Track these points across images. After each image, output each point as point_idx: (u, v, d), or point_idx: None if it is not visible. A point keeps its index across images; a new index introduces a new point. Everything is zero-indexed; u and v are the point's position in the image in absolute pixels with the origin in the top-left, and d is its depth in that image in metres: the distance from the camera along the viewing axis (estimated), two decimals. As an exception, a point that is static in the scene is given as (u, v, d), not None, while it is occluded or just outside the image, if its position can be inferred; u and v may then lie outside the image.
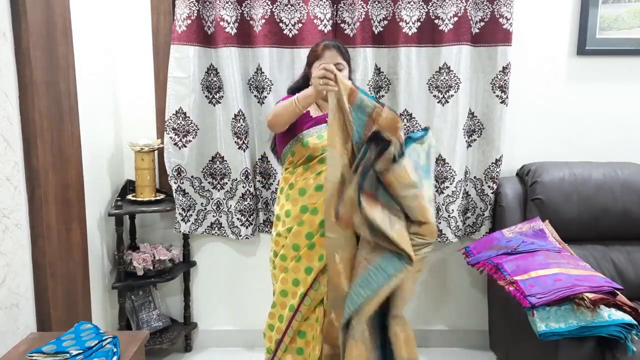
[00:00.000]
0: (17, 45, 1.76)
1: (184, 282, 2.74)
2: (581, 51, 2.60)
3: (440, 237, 2.63)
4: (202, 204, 2.68)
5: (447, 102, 2.53)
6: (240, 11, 2.52)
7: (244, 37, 2.53)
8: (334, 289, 1.83)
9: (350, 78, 2.05)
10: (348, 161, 1.78)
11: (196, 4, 2.48)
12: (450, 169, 2.57)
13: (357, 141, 1.77)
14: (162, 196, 2.60)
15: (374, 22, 2.52)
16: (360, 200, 1.72)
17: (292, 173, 2.04)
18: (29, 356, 1.57)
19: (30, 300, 1.84)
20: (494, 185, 2.61)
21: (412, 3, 2.47)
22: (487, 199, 2.63)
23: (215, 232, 2.70)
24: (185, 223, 2.65)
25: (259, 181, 2.67)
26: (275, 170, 2.62)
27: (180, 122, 2.57)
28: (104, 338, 1.65)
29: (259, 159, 2.65)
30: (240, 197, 2.62)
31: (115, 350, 1.61)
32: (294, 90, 2.05)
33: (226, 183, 2.65)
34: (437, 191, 2.61)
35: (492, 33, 2.50)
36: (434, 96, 2.54)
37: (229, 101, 2.54)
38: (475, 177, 2.66)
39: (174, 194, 2.61)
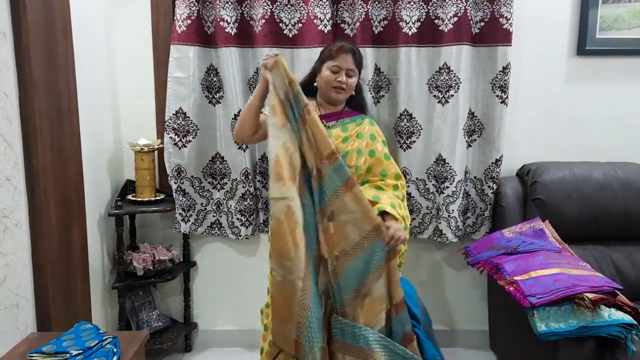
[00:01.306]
0: (17, 45, 1.76)
1: (184, 282, 2.74)
2: (581, 51, 2.60)
3: (440, 237, 2.63)
4: (202, 204, 2.68)
5: (447, 102, 2.53)
6: (240, 11, 2.52)
7: (244, 37, 2.53)
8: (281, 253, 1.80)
9: (358, 84, 2.12)
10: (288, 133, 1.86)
11: (196, 4, 2.48)
12: (450, 169, 2.56)
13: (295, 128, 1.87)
14: (162, 196, 2.60)
15: (374, 22, 2.52)
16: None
17: None
18: (29, 356, 1.57)
19: (30, 300, 1.84)
20: (494, 185, 2.61)
21: (412, 3, 2.47)
22: (487, 199, 2.63)
23: (215, 232, 2.70)
24: (185, 223, 2.65)
25: (259, 181, 2.67)
26: (275, 170, 2.62)
27: (180, 122, 2.56)
28: (104, 338, 1.65)
29: (259, 159, 2.65)
30: (240, 197, 2.62)
31: (115, 350, 1.61)
32: (303, 85, 2.07)
33: (226, 183, 2.65)
34: (437, 191, 2.60)
35: (492, 33, 2.50)
36: (434, 96, 2.54)
37: (229, 101, 2.54)
38: (475, 177, 2.66)
39: (174, 194, 2.61)
